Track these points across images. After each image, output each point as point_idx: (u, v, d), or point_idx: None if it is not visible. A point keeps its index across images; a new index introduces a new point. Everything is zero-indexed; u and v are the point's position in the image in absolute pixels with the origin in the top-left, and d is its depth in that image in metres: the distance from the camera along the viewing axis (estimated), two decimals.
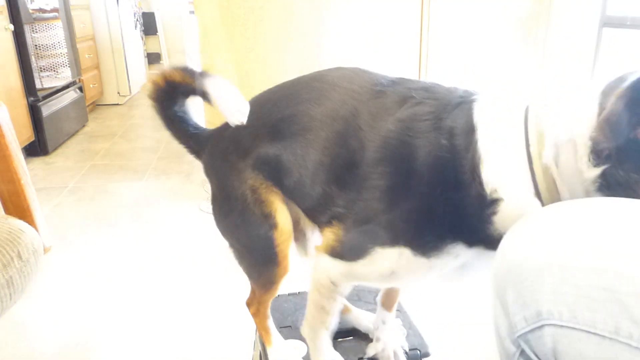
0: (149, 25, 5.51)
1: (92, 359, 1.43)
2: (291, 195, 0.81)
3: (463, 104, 0.65)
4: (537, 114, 0.59)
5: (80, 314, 1.62)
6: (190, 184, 2.72)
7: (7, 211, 1.05)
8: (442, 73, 2.77)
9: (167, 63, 5.65)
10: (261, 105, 0.84)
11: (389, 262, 0.67)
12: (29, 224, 1.01)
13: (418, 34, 2.69)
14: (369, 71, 0.80)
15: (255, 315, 0.95)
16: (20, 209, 1.04)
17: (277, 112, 0.81)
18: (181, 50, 5.69)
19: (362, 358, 0.92)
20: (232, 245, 0.90)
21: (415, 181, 0.65)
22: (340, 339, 0.98)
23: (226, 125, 0.87)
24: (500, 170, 0.59)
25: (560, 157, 0.56)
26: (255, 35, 2.55)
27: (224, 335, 1.51)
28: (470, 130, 0.61)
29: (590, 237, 0.47)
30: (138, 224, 2.26)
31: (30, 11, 3.08)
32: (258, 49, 2.57)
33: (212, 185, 0.92)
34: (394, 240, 0.66)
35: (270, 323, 0.97)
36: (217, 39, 2.53)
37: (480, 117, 0.62)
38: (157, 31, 5.55)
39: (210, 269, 1.85)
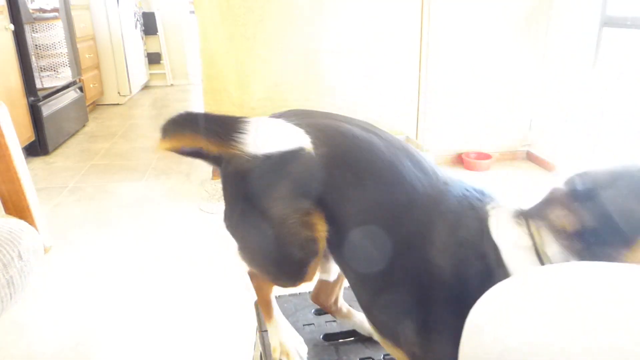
0: (149, 25, 5.50)
1: (92, 359, 1.43)
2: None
3: (483, 226, 0.68)
4: (538, 231, 0.65)
5: (80, 314, 1.62)
6: (190, 184, 2.72)
7: (7, 211, 1.05)
8: (442, 73, 2.78)
9: (167, 63, 5.65)
10: (333, 157, 0.77)
11: None
12: (29, 223, 1.01)
13: (418, 34, 2.69)
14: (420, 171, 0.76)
15: (259, 287, 0.90)
16: (20, 209, 1.04)
17: (346, 187, 0.76)
18: (181, 50, 5.70)
19: (362, 358, 0.92)
20: (249, 253, 0.84)
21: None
22: (341, 340, 0.97)
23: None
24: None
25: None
26: (255, 35, 2.55)
27: (224, 335, 1.51)
28: (498, 254, 0.66)
29: (599, 331, 0.38)
30: (138, 224, 2.26)
31: (31, 11, 3.08)
32: (258, 49, 2.57)
33: (235, 195, 0.83)
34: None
35: (273, 298, 0.92)
36: (217, 39, 2.53)
37: (501, 242, 0.66)
38: (157, 31, 5.54)
39: (210, 268, 1.85)
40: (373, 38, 2.65)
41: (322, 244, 0.77)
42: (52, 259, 1.94)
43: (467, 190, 0.73)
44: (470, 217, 0.69)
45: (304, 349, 0.94)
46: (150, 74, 5.66)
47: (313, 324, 1.03)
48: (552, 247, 0.63)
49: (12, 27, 2.88)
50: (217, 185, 2.65)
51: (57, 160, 3.14)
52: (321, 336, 0.99)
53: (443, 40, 2.72)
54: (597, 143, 2.46)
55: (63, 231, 2.18)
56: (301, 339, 0.94)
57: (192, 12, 4.44)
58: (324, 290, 0.98)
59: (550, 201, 0.64)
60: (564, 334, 0.39)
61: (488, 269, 0.65)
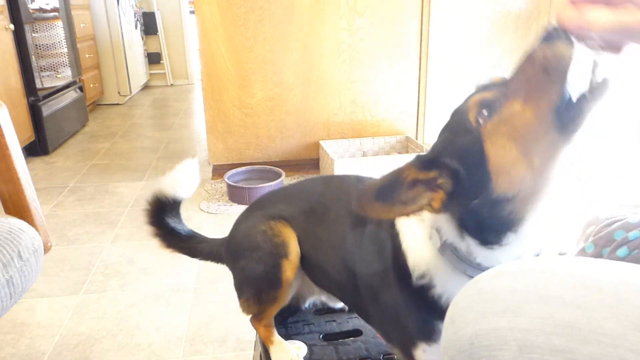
0: (149, 25, 5.50)
1: (92, 359, 1.43)
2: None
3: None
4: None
5: (81, 313, 1.62)
6: None
7: (7, 211, 1.05)
8: (442, 72, 2.77)
9: (167, 63, 5.66)
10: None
11: (426, 357, 0.74)
12: (29, 223, 1.01)
13: (418, 34, 2.70)
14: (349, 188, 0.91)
15: (261, 328, 0.97)
16: (20, 209, 1.04)
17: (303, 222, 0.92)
18: (181, 50, 5.70)
19: (362, 358, 0.92)
20: (240, 277, 0.97)
21: (389, 292, 0.76)
22: (340, 340, 0.98)
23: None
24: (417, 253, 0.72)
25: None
26: (255, 35, 2.55)
27: (224, 334, 1.51)
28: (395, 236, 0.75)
29: (548, 311, 0.43)
30: (138, 223, 2.26)
31: (31, 11, 3.09)
32: (258, 49, 2.57)
33: (231, 260, 1.00)
34: (410, 340, 0.74)
35: (274, 329, 0.98)
36: (217, 39, 2.53)
37: (401, 227, 0.75)
38: (157, 31, 5.54)
39: (210, 268, 1.85)
40: (373, 38, 2.65)
41: (292, 249, 0.89)
42: (52, 258, 1.95)
43: None
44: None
45: (304, 349, 0.94)
46: (150, 74, 5.66)
47: (313, 323, 1.03)
48: (431, 218, 0.68)
49: (12, 27, 2.88)
50: (217, 185, 2.65)
51: (57, 160, 3.15)
52: (321, 336, 0.99)
53: (443, 39, 2.72)
54: (597, 143, 2.46)
55: (63, 231, 2.19)
56: (298, 344, 0.96)
57: (192, 12, 4.44)
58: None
59: (406, 184, 0.65)
60: (525, 316, 0.43)
61: (394, 251, 0.74)
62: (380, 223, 0.78)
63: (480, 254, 0.64)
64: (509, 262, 0.52)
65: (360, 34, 2.63)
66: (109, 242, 2.10)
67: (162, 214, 1.07)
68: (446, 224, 0.65)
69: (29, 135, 3.06)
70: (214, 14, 2.49)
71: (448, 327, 0.49)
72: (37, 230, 1.01)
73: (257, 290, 0.92)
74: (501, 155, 0.58)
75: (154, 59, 5.62)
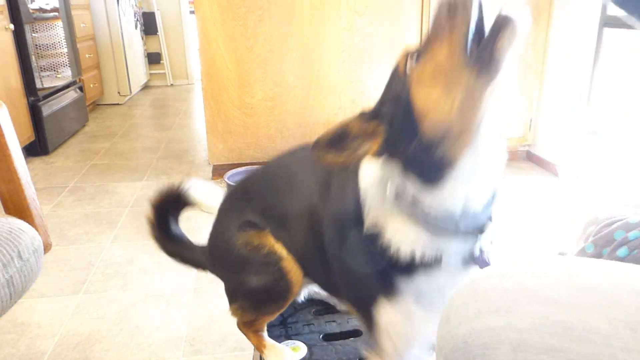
0: (149, 25, 5.50)
1: (92, 359, 1.43)
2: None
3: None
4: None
5: (81, 313, 1.62)
6: None
7: (7, 211, 1.05)
8: None
9: (167, 63, 5.66)
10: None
11: (387, 317, 0.74)
12: (29, 223, 1.01)
13: (418, 34, 2.70)
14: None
15: (252, 334, 0.98)
16: (20, 209, 1.04)
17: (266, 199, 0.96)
18: (181, 50, 5.70)
19: (363, 358, 0.92)
20: (235, 285, 0.97)
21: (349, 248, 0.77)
22: (340, 340, 0.98)
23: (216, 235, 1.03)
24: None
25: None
26: (255, 35, 2.55)
27: (224, 334, 1.51)
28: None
29: (542, 311, 0.44)
30: (138, 223, 2.26)
31: (31, 11, 3.08)
32: (258, 49, 2.57)
33: (220, 271, 1.04)
34: (370, 296, 0.75)
35: (265, 333, 0.99)
36: (217, 39, 2.53)
37: (362, 176, 0.77)
38: (157, 31, 5.54)
39: None
40: (373, 38, 2.65)
41: (277, 248, 0.88)
42: (52, 258, 1.94)
43: None
44: (351, 171, 0.80)
45: (303, 350, 0.94)
46: (150, 74, 5.66)
47: (313, 324, 1.03)
48: (384, 165, 0.71)
49: (12, 27, 2.88)
50: (217, 185, 2.65)
51: (57, 160, 3.14)
52: (321, 336, 0.99)
53: None
54: (597, 142, 2.46)
55: (63, 231, 2.18)
56: (298, 345, 0.96)
57: (192, 12, 4.44)
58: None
59: (352, 134, 0.70)
60: (520, 316, 0.44)
61: (355, 198, 0.76)
62: (346, 173, 0.79)
63: (426, 196, 0.66)
64: (503, 263, 0.53)
65: (360, 34, 2.63)
66: (109, 242, 2.10)
67: (166, 216, 1.12)
68: (393, 168, 0.69)
69: (29, 135, 3.06)
70: (214, 14, 2.49)
71: (443, 325, 0.50)
72: (37, 230, 1.01)
73: (257, 301, 0.91)
74: (425, 97, 0.62)
75: (154, 59, 5.62)
